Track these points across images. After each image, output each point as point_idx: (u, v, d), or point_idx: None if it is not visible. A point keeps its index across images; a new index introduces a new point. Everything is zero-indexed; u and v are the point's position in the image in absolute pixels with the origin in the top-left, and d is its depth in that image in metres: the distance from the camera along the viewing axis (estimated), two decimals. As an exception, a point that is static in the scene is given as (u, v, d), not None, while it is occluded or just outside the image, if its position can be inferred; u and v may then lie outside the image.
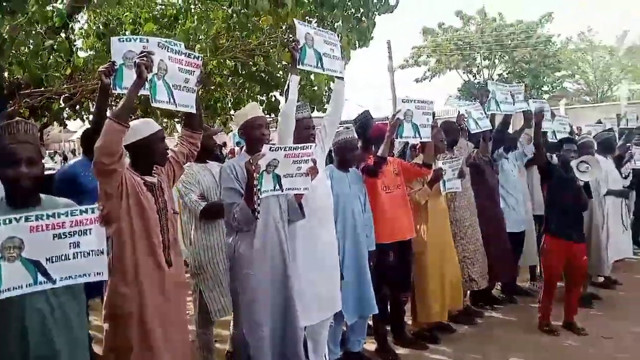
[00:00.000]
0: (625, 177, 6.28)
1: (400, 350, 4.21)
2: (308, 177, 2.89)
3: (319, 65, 3.30)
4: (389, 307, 4.27)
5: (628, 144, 6.32)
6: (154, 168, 2.66)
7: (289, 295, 2.96)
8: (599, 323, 4.74)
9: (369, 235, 3.86)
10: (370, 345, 4.22)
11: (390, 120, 3.89)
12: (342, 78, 3.53)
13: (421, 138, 4.05)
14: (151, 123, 2.70)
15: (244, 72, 6.59)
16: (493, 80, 27.89)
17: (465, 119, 4.77)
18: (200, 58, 2.74)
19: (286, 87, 3.15)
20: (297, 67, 3.18)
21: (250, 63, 6.14)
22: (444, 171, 4.27)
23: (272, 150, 2.68)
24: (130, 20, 5.67)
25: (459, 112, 4.96)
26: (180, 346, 2.63)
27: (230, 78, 7.16)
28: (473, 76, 31.06)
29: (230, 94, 7.22)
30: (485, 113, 4.89)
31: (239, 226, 2.83)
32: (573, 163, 4.37)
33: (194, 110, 2.74)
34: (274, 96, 7.06)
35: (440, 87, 38.44)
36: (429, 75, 31.31)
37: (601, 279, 5.72)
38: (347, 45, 5.46)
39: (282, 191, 2.81)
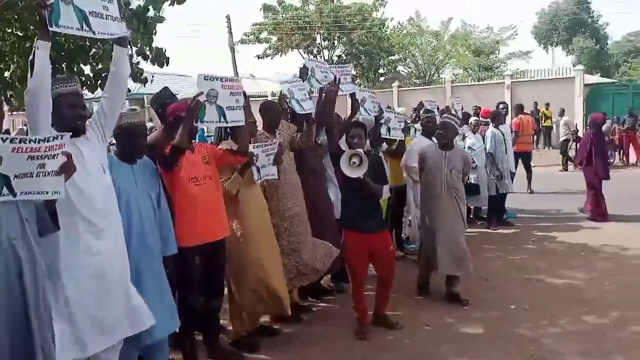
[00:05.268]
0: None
1: (214, 365, 3.69)
2: (60, 177, 2.14)
3: (84, 26, 2.53)
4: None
5: None
6: None
7: (33, 331, 2.13)
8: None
9: (167, 237, 3.23)
10: (179, 364, 3.63)
11: (191, 102, 3.23)
12: (123, 45, 2.80)
13: (227, 122, 3.47)
14: None
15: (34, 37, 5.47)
16: (332, 61, 28.44)
17: (288, 99, 4.31)
18: None
19: (31, 56, 2.35)
20: (50, 29, 2.38)
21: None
22: (256, 156, 3.77)
23: None
24: None
25: (281, 92, 4.48)
26: None
27: (16, 45, 5.97)
28: (314, 56, 31.36)
29: (17, 63, 6.00)
30: (308, 94, 4.46)
31: None
32: (344, 157, 3.99)
33: None
34: (76, 64, 6.03)
35: (283, 66, 38.34)
36: (271, 53, 31.01)
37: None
38: None
39: (14, 197, 2.04)
